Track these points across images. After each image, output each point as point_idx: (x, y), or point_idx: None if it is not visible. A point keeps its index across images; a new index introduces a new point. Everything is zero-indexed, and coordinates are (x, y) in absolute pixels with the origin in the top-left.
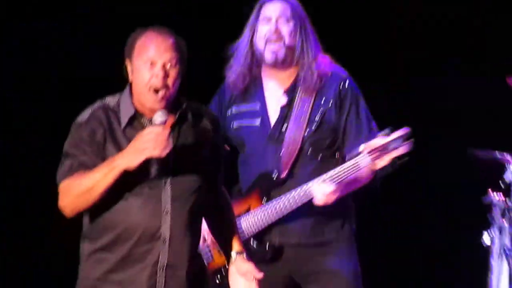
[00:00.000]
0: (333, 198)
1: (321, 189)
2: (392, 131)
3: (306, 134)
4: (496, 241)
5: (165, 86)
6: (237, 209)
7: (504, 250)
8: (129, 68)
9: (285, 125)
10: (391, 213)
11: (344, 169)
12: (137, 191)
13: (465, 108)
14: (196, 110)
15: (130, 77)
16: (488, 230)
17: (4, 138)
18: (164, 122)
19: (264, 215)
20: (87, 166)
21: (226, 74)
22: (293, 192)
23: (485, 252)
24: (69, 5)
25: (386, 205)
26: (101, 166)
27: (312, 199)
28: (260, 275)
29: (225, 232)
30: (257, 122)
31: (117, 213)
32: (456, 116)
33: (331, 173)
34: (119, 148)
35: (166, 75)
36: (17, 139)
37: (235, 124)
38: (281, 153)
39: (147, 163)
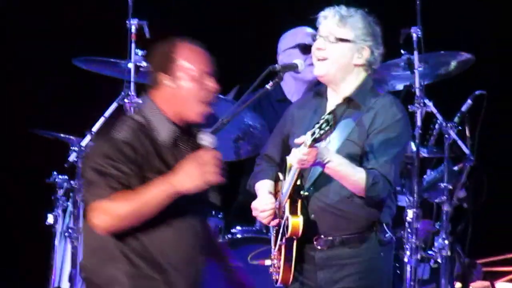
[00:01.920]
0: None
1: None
2: None
3: None
4: (60, 221)
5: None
6: None
7: (67, 231)
8: (165, 82)
9: None
10: None
11: None
12: (181, 214)
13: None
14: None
15: (166, 90)
16: (53, 211)
17: None
18: (213, 145)
19: None
20: (127, 186)
21: None
22: None
23: (50, 233)
24: None
25: None
26: (150, 187)
27: None
28: None
29: None
30: None
31: (161, 234)
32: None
33: None
34: (165, 165)
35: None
36: None
37: None
38: None
39: None
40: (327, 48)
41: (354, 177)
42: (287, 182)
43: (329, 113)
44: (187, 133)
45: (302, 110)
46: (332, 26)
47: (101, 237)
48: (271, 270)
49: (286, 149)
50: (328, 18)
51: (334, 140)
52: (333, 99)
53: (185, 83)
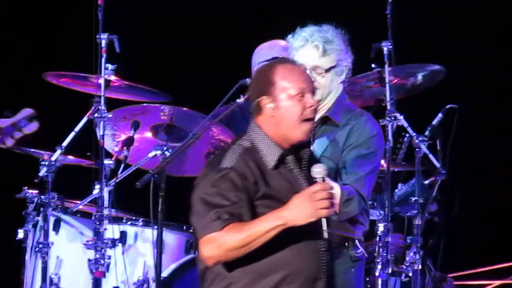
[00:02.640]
0: None
1: None
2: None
3: None
4: (30, 236)
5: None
6: None
7: (38, 246)
8: (267, 105)
9: None
10: None
11: None
12: (298, 238)
13: None
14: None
15: (269, 113)
16: (23, 226)
17: None
18: (324, 178)
19: None
20: (237, 216)
21: None
22: None
23: (20, 248)
24: None
25: None
26: (261, 221)
27: None
28: None
29: None
30: None
31: (278, 259)
32: None
33: None
34: (273, 189)
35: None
36: None
37: None
38: None
39: None
40: (316, 80)
41: None
42: None
43: None
44: (294, 155)
45: None
46: (316, 58)
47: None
48: None
49: None
50: (309, 49)
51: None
52: None
53: (286, 103)
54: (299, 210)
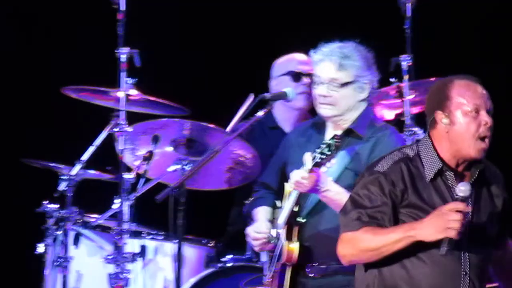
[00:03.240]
0: None
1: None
2: None
3: None
4: (50, 251)
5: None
6: None
7: (58, 260)
8: (441, 120)
9: None
10: None
11: None
12: (431, 255)
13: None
14: (491, 170)
15: (443, 128)
16: (43, 240)
17: None
18: (467, 198)
19: None
20: (377, 219)
21: None
22: None
23: (40, 262)
24: None
25: None
26: (395, 229)
27: None
28: None
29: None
30: None
31: (412, 274)
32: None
33: None
34: (423, 201)
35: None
36: None
37: None
38: None
39: None
40: (332, 95)
41: None
42: (286, 208)
43: (331, 138)
44: (455, 172)
45: (300, 139)
46: (333, 72)
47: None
48: None
49: (284, 177)
50: (327, 64)
51: (333, 169)
52: (332, 130)
53: (461, 120)
54: (430, 225)
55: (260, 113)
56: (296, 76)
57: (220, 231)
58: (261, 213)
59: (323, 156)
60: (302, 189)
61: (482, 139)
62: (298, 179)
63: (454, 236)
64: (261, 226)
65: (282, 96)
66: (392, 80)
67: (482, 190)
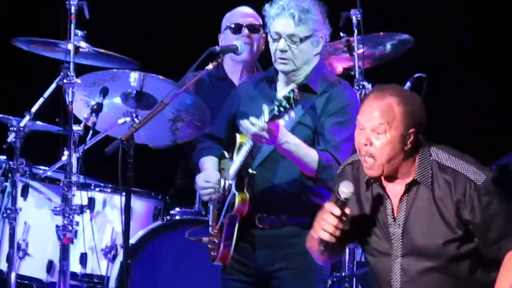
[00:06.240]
0: None
1: None
2: None
3: None
4: None
5: None
6: None
7: (5, 211)
8: None
9: None
10: None
11: None
12: (379, 253)
13: None
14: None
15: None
16: None
17: None
18: (346, 200)
19: None
20: None
21: None
22: None
23: None
24: None
25: None
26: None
27: None
28: None
29: None
30: None
31: (372, 270)
32: None
33: None
34: (362, 209)
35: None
36: None
37: None
38: None
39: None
40: (291, 49)
41: (307, 158)
42: (237, 159)
43: (290, 91)
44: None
45: (251, 91)
46: (291, 27)
47: None
48: (209, 248)
49: (233, 128)
50: (285, 18)
51: (287, 123)
52: (284, 83)
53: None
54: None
55: (210, 66)
56: (236, 29)
57: (168, 184)
58: (209, 163)
59: (282, 109)
60: (261, 142)
61: (363, 157)
62: (256, 130)
63: (326, 238)
64: (211, 176)
65: (232, 50)
66: (342, 34)
67: (417, 204)
